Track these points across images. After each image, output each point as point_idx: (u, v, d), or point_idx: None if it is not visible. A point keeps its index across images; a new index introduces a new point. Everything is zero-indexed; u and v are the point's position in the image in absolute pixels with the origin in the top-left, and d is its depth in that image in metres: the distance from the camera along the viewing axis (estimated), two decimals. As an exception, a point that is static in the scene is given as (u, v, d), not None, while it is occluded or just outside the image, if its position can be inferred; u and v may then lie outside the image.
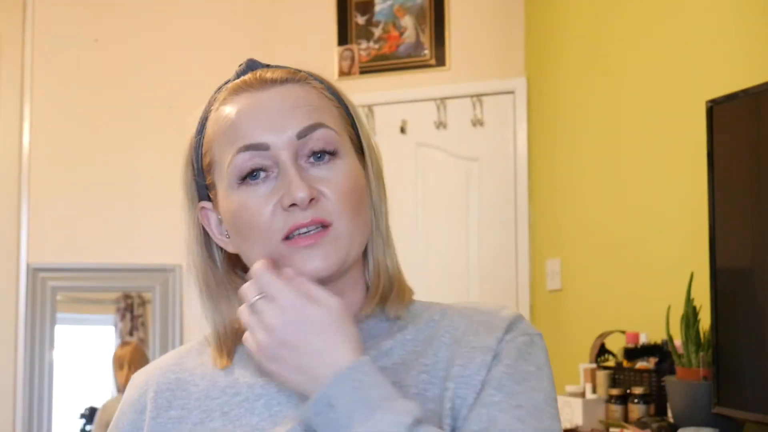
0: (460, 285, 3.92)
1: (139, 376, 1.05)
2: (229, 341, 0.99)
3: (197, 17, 4.27)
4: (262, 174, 0.94)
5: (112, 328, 4.21)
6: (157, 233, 3.95)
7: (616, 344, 2.71)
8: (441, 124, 4.03)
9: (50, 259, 4.10)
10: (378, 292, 0.98)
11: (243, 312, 0.90)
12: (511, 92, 3.93)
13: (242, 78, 0.99)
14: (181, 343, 4.08)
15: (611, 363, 2.67)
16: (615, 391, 2.51)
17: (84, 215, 4.13)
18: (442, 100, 4.02)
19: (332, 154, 0.94)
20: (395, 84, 4.11)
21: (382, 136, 4.02)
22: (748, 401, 1.97)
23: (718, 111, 2.08)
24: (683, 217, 2.59)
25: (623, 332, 2.69)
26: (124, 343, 4.14)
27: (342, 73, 4.16)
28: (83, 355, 4.23)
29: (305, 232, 0.92)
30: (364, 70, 4.14)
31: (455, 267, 3.97)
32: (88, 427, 4.09)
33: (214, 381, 0.99)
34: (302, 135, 0.94)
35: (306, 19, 4.26)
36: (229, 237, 0.98)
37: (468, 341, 0.94)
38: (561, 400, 2.64)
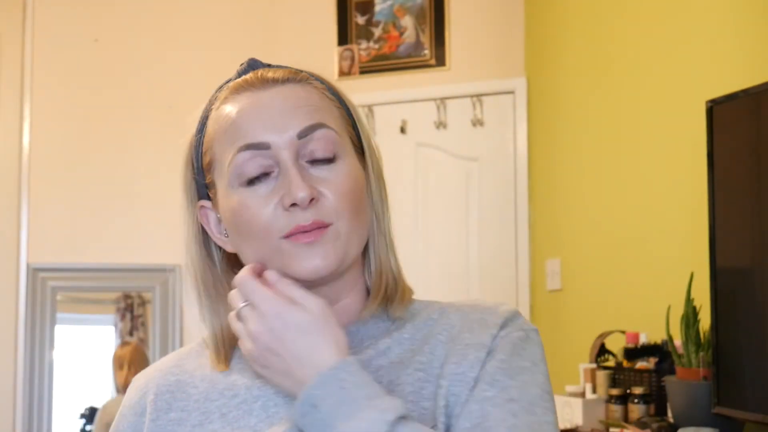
0: (460, 285, 3.92)
1: (140, 379, 1.05)
2: (227, 344, 0.99)
3: (197, 17, 4.27)
4: (263, 176, 0.94)
5: (112, 328, 4.21)
6: (157, 233, 3.95)
7: (616, 344, 2.71)
8: (441, 124, 4.03)
9: (50, 259, 4.10)
10: (380, 293, 0.98)
11: (232, 319, 0.93)
12: (511, 92, 3.93)
13: (243, 77, 0.99)
14: (181, 343, 4.08)
15: (611, 363, 2.67)
16: (615, 391, 2.51)
17: (84, 215, 4.13)
18: (442, 100, 4.02)
19: (332, 161, 0.95)
20: (395, 84, 4.11)
21: (382, 136, 4.02)
22: (748, 401, 1.98)
23: (718, 111, 2.08)
24: (683, 217, 2.59)
25: (623, 332, 2.69)
26: (124, 343, 4.14)
27: (342, 73, 4.16)
28: (83, 355, 4.23)
29: (305, 231, 0.92)
30: (364, 70, 4.14)
31: (455, 267, 3.97)
32: (88, 427, 4.09)
33: (213, 383, 0.99)
34: (303, 135, 0.94)
35: (306, 19, 4.26)
36: (228, 236, 0.98)
37: (463, 338, 0.94)
38: (561, 400, 2.64)
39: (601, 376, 2.59)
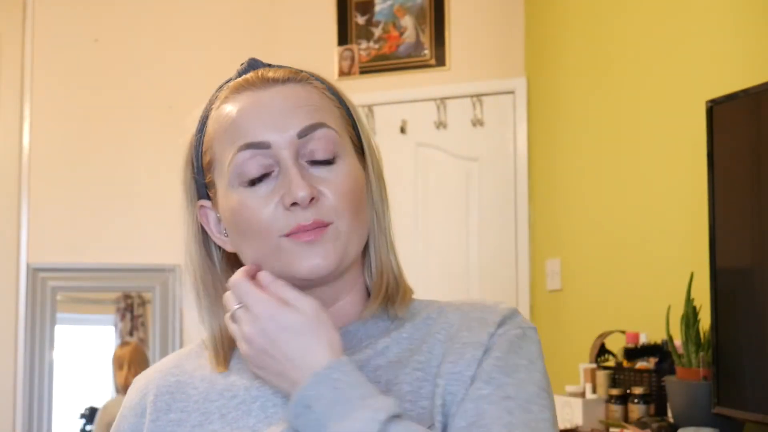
0: (460, 285, 3.92)
1: (140, 380, 1.05)
2: (226, 345, 0.99)
3: (197, 17, 4.27)
4: (264, 177, 0.94)
5: (112, 328, 4.21)
6: (157, 233, 3.95)
7: (616, 344, 2.71)
8: (441, 124, 4.03)
9: (50, 259, 4.10)
10: (381, 293, 0.98)
11: (227, 321, 0.93)
12: (511, 92, 3.93)
13: (244, 77, 0.99)
14: (181, 343, 4.08)
15: (611, 363, 2.67)
16: (615, 391, 2.51)
17: (84, 215, 4.13)
18: (442, 100, 4.02)
19: (331, 161, 0.95)
20: (395, 84, 4.11)
21: (382, 136, 4.02)
22: (748, 401, 1.98)
23: (718, 111, 2.08)
24: (683, 217, 2.59)
25: (623, 332, 2.69)
26: (123, 343, 4.14)
27: (342, 73, 4.16)
28: (83, 355, 4.23)
29: (305, 230, 0.92)
30: (364, 70, 4.14)
31: (455, 267, 3.97)
32: (88, 427, 4.09)
33: (213, 384, 0.99)
34: (303, 134, 0.94)
35: (306, 19, 4.26)
36: (227, 236, 0.98)
37: (461, 337, 0.94)
38: (561, 400, 2.64)
39: (601, 376, 2.59)
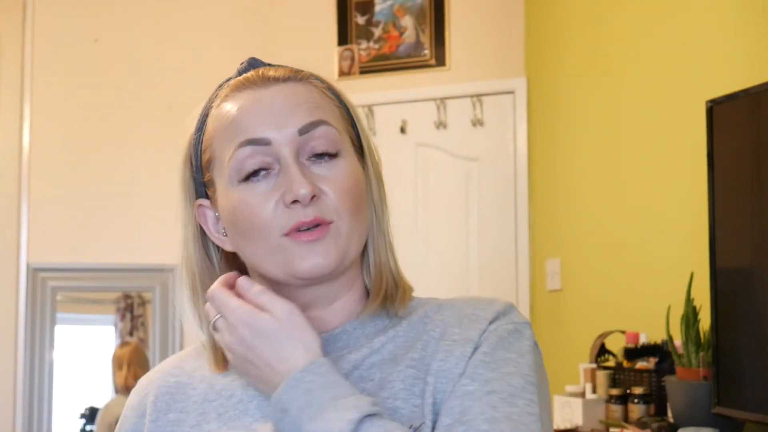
0: (460, 285, 3.92)
1: (142, 381, 1.06)
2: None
3: (197, 17, 4.27)
4: (263, 171, 0.94)
5: (112, 328, 4.21)
6: (157, 233, 3.95)
7: (616, 344, 2.71)
8: (441, 124, 4.03)
9: (50, 259, 4.10)
10: (381, 292, 0.98)
11: (212, 332, 0.95)
12: (511, 92, 3.93)
13: (244, 75, 0.99)
14: (181, 343, 4.08)
15: (611, 363, 2.67)
16: (615, 391, 2.51)
17: (84, 215, 4.13)
18: (442, 100, 4.02)
19: (333, 155, 0.95)
20: (395, 84, 4.11)
21: (382, 136, 4.02)
22: (748, 401, 1.98)
23: (718, 111, 2.08)
24: (683, 217, 2.59)
25: (623, 332, 2.69)
26: (123, 344, 4.14)
27: (342, 73, 4.16)
28: (83, 355, 4.23)
29: (306, 229, 0.92)
30: (364, 70, 4.14)
31: (455, 267, 3.97)
32: (88, 427, 4.10)
33: (212, 384, 0.99)
34: (304, 131, 0.94)
35: (306, 19, 4.26)
36: (226, 235, 0.98)
37: (452, 334, 0.93)
38: (561, 400, 2.64)
39: (601, 376, 2.59)
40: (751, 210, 1.99)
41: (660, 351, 2.48)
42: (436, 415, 0.89)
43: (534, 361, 0.92)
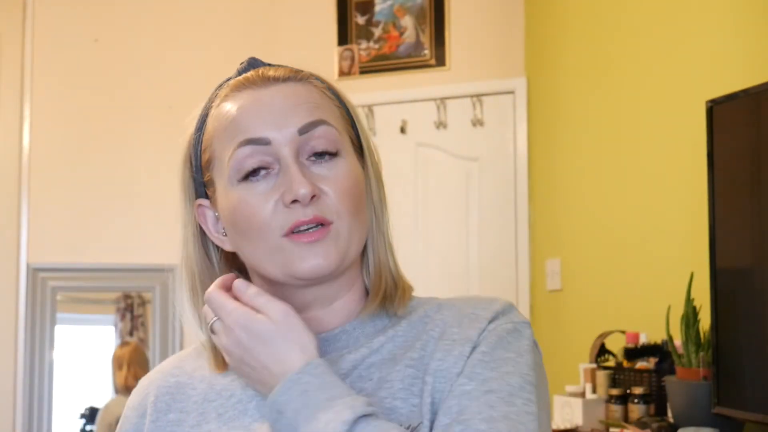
0: (460, 285, 3.92)
1: (143, 381, 1.06)
2: None
3: (197, 17, 4.27)
4: (263, 171, 0.93)
5: (112, 328, 4.21)
6: (157, 233, 3.95)
7: (616, 344, 2.71)
8: (441, 124, 4.03)
9: (50, 259, 4.10)
10: (380, 293, 0.98)
11: (210, 334, 0.95)
12: (511, 92, 3.93)
13: (244, 75, 0.99)
14: (181, 342, 4.09)
15: (611, 363, 2.67)
16: (615, 391, 2.51)
17: (84, 215, 4.13)
18: (442, 100, 4.02)
19: (334, 154, 0.95)
20: (395, 84, 4.11)
21: (382, 136, 4.02)
22: (748, 401, 1.98)
23: (718, 111, 2.08)
24: (683, 217, 2.59)
25: (623, 332, 2.69)
26: (123, 344, 4.14)
27: (342, 73, 4.16)
28: (83, 355, 4.23)
29: (306, 230, 0.92)
30: (364, 70, 4.14)
31: (455, 267, 3.97)
32: (88, 427, 4.10)
33: (212, 384, 1.00)
34: (304, 131, 0.94)
35: (306, 19, 4.26)
36: (226, 235, 0.98)
37: (451, 334, 0.93)
38: (561, 400, 2.64)
39: (601, 376, 2.59)
40: (751, 210, 1.99)
41: (660, 351, 2.48)
42: (434, 414, 0.89)
43: (533, 361, 0.92)
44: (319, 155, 0.94)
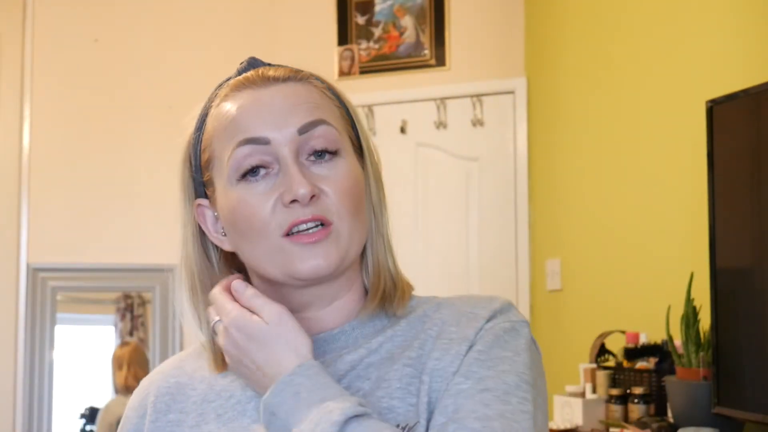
0: (460, 285, 3.92)
1: (144, 382, 1.06)
2: None
3: (197, 17, 4.27)
4: (262, 171, 0.93)
5: (112, 328, 4.21)
6: (157, 233, 3.95)
7: (616, 344, 2.71)
8: (441, 124, 4.03)
9: (50, 259, 4.10)
10: (379, 293, 0.98)
11: (213, 335, 0.96)
12: (511, 92, 3.93)
13: (244, 75, 0.98)
14: (182, 342, 4.08)
15: (611, 363, 2.67)
16: (615, 391, 2.51)
17: (84, 215, 4.13)
18: (442, 100, 4.02)
19: (333, 153, 0.95)
20: (395, 84, 4.11)
21: (382, 136, 4.02)
22: (748, 401, 1.98)
23: (718, 111, 2.09)
24: (683, 217, 2.59)
25: (623, 332, 2.69)
26: (123, 344, 4.14)
27: (342, 73, 4.16)
28: (83, 355, 4.23)
29: (305, 229, 0.92)
30: (364, 70, 4.14)
31: (455, 267, 3.97)
32: (88, 427, 4.10)
33: (211, 385, 1.00)
34: (304, 131, 0.93)
35: (306, 19, 4.26)
36: (225, 235, 0.98)
37: (448, 333, 0.93)
38: (561, 400, 2.64)
39: (601, 376, 2.59)
40: (751, 210, 1.99)
41: (660, 351, 2.48)
42: (431, 414, 0.89)
43: (530, 360, 0.91)
44: (319, 155, 0.94)
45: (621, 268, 3.01)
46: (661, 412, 2.39)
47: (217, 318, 0.94)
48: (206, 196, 0.99)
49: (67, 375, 4.11)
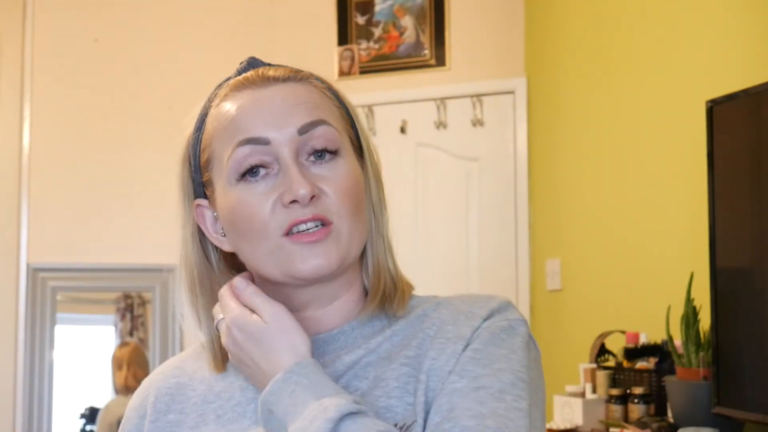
0: (460, 285, 3.92)
1: (144, 382, 1.06)
2: (223, 347, 1.00)
3: (197, 17, 4.27)
4: (262, 171, 0.93)
5: (112, 328, 4.21)
6: (157, 233, 3.94)
7: (616, 344, 2.71)
8: (441, 124, 4.03)
9: (50, 259, 4.10)
10: (379, 293, 0.98)
11: (215, 332, 0.97)
12: (511, 92, 3.93)
13: (244, 75, 0.98)
14: (181, 343, 4.08)
15: (611, 363, 2.67)
16: (615, 391, 2.51)
17: (84, 215, 4.13)
18: (442, 100, 4.02)
19: (333, 153, 0.94)
20: (395, 84, 4.11)
21: (382, 136, 4.02)
22: (748, 401, 1.98)
23: (718, 111, 2.08)
24: (683, 217, 2.59)
25: (623, 332, 2.69)
26: (123, 344, 4.14)
27: (342, 73, 4.16)
28: (83, 355, 4.23)
29: (305, 229, 0.92)
30: (364, 70, 4.14)
31: (455, 267, 3.97)
32: (88, 427, 4.10)
33: (211, 386, 1.00)
34: (304, 131, 0.93)
35: (306, 19, 4.26)
36: (225, 235, 0.98)
37: (446, 332, 0.93)
38: (561, 400, 2.64)
39: (601, 376, 2.59)
40: (751, 210, 1.99)
41: (660, 351, 2.48)
42: (427, 413, 0.89)
43: (527, 358, 0.91)
44: (319, 155, 0.94)
45: (621, 268, 3.01)
46: (661, 412, 2.39)
47: (221, 316, 0.95)
48: (206, 197, 0.99)
49: (67, 375, 4.11)
